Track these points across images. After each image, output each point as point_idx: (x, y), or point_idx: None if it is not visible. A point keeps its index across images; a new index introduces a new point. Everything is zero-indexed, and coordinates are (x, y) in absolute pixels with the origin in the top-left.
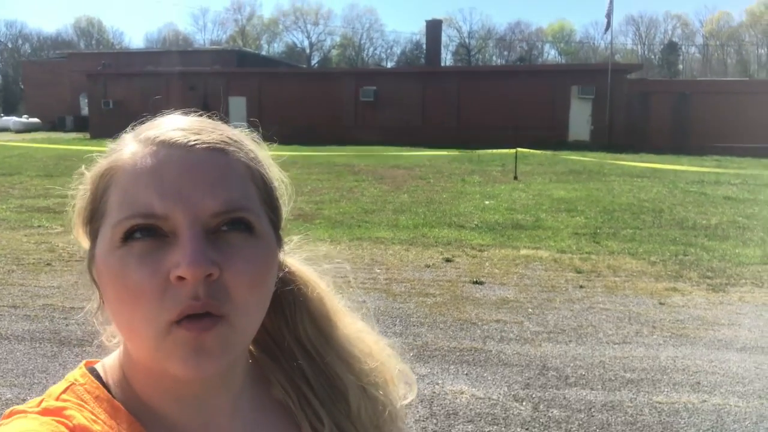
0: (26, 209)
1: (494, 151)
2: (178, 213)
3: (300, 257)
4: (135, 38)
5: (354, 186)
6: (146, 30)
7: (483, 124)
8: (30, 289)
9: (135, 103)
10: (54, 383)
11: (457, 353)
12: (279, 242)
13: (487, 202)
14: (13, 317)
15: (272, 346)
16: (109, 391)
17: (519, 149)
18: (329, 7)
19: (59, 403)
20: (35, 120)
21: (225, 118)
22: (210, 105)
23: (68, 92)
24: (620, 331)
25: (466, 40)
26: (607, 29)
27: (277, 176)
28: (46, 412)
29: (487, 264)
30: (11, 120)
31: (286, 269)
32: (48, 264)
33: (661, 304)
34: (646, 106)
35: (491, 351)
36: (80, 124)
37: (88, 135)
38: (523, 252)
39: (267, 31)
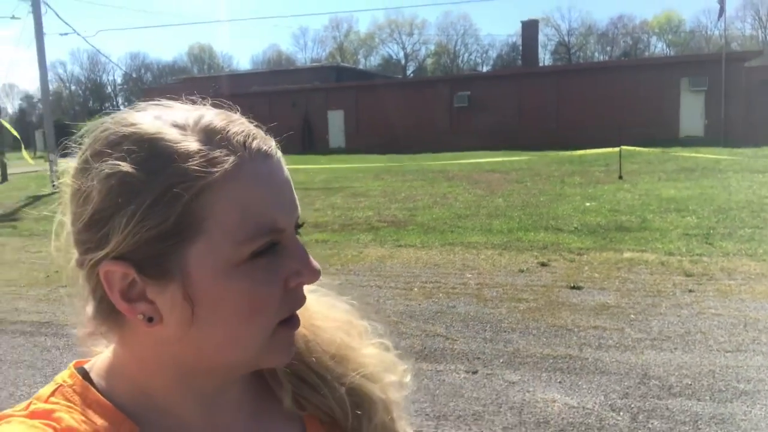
0: None
1: (596, 150)
2: (287, 223)
3: None
4: (242, 60)
5: (448, 192)
6: (252, 52)
7: (584, 123)
8: None
9: None
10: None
11: (551, 360)
12: None
13: (587, 204)
14: None
15: None
16: (99, 391)
17: (623, 147)
18: (423, 16)
19: (47, 406)
20: None
21: (326, 132)
22: (310, 119)
23: None
24: (734, 339)
25: (566, 39)
26: (720, 15)
27: None
28: (33, 415)
29: (586, 268)
30: None
31: None
32: None
33: None
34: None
35: (587, 358)
36: None
37: None
38: (627, 255)
39: (364, 45)
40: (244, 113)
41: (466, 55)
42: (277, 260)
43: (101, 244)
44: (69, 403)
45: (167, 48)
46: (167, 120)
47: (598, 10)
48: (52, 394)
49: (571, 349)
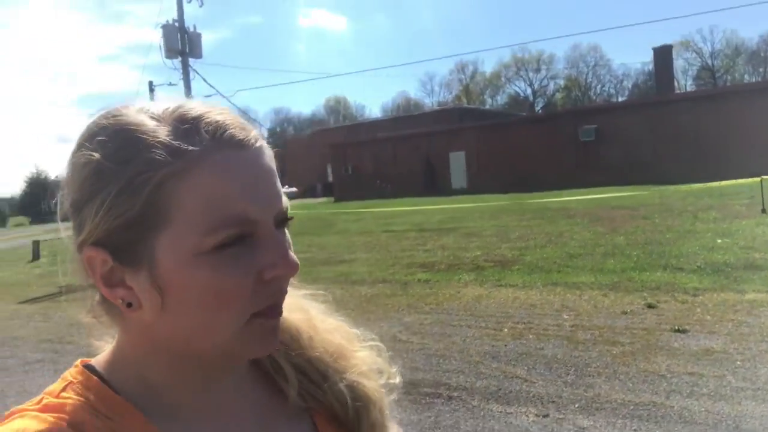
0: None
1: (738, 181)
2: (266, 217)
3: None
4: (374, 109)
5: (565, 230)
6: (382, 100)
7: (728, 152)
8: None
9: (368, 167)
10: None
11: (631, 407)
12: None
13: (718, 241)
14: None
15: None
16: (107, 384)
17: (765, 177)
18: (550, 51)
19: (59, 400)
20: (293, 189)
21: (447, 173)
22: (432, 161)
23: (318, 163)
24: None
25: (709, 62)
26: None
27: None
28: (46, 409)
29: (698, 310)
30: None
31: None
32: None
33: None
34: None
35: (673, 407)
36: (327, 190)
37: (332, 199)
38: (749, 296)
39: (490, 85)
40: (369, 159)
41: (599, 86)
42: (249, 252)
43: (80, 230)
44: (80, 398)
45: (307, 102)
46: (147, 111)
47: (744, 28)
48: (63, 389)
49: (657, 396)
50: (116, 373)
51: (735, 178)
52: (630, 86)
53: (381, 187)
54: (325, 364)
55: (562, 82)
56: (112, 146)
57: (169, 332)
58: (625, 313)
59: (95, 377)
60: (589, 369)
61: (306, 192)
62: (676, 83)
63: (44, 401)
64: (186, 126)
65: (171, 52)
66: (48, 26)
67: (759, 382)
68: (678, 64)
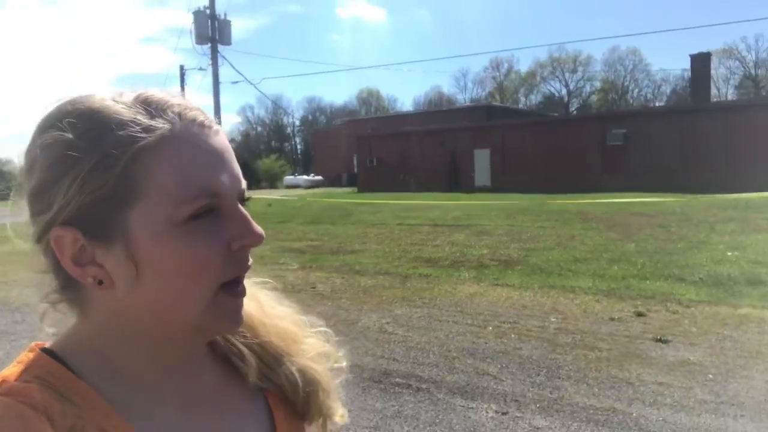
0: (281, 249)
1: (758, 194)
2: (227, 189)
3: None
4: (406, 102)
5: (578, 234)
6: (414, 94)
7: (758, 164)
8: None
9: (393, 160)
10: None
11: (591, 411)
12: None
13: (729, 254)
14: None
15: None
16: (70, 369)
17: None
18: (588, 53)
19: (20, 384)
20: (319, 177)
21: (471, 170)
22: (457, 158)
23: (345, 153)
24: None
25: (752, 71)
26: None
27: None
28: (8, 393)
29: (685, 321)
30: (302, 178)
31: None
32: None
33: None
34: None
35: (632, 414)
36: (352, 180)
37: (356, 189)
38: (742, 311)
39: (524, 84)
40: (394, 152)
41: (636, 90)
42: (218, 223)
43: (44, 212)
44: (42, 380)
45: (340, 93)
46: (112, 97)
47: None
48: (21, 373)
49: (619, 402)
50: (76, 357)
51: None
52: (668, 92)
53: (404, 181)
54: (277, 348)
55: (598, 84)
56: (83, 126)
57: (141, 309)
58: (613, 319)
59: (56, 362)
60: (560, 371)
61: (332, 181)
62: (716, 91)
63: (4, 385)
64: (153, 107)
65: (201, 38)
66: (94, 6)
67: (725, 396)
68: (720, 72)
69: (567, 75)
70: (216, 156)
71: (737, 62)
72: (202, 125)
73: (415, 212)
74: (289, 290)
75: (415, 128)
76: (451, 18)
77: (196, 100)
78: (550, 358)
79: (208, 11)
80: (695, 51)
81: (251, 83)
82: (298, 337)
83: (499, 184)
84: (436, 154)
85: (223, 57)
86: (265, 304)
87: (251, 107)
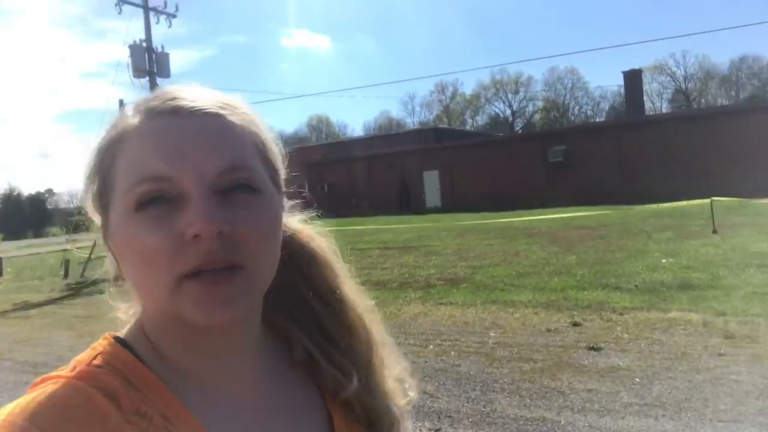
0: None
1: (701, 201)
2: (185, 175)
3: (297, 219)
4: (356, 127)
5: (522, 249)
6: (364, 119)
7: (693, 173)
8: None
9: (344, 185)
10: None
11: (521, 422)
12: (281, 198)
13: (663, 261)
14: None
15: (289, 305)
16: (136, 356)
17: (716, 198)
18: (528, 73)
19: (91, 368)
20: None
21: (422, 192)
22: (407, 181)
23: (295, 180)
24: (737, 408)
25: (683, 85)
26: None
27: (270, 137)
28: (79, 376)
29: (618, 328)
30: None
31: (290, 230)
32: None
33: None
34: None
35: (560, 422)
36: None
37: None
38: (672, 315)
39: (470, 106)
40: (344, 177)
41: (576, 108)
42: (170, 212)
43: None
44: (111, 366)
45: (290, 121)
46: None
47: (716, 52)
48: (94, 358)
49: (549, 411)
50: (139, 344)
51: (701, 198)
52: (607, 108)
53: (357, 205)
54: (374, 368)
55: (540, 104)
56: (101, 137)
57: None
58: (549, 330)
59: (124, 349)
60: (495, 385)
61: None
62: (651, 105)
63: (77, 369)
64: (138, 108)
65: (138, 71)
66: (31, 44)
67: (648, 398)
68: (653, 87)
69: (510, 96)
70: (171, 141)
71: (668, 77)
72: (170, 112)
73: (367, 236)
74: None
75: (365, 153)
76: (395, 43)
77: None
78: (486, 372)
79: (144, 44)
80: (629, 68)
81: None
82: (385, 357)
83: (450, 205)
84: (387, 178)
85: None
86: (375, 321)
87: None
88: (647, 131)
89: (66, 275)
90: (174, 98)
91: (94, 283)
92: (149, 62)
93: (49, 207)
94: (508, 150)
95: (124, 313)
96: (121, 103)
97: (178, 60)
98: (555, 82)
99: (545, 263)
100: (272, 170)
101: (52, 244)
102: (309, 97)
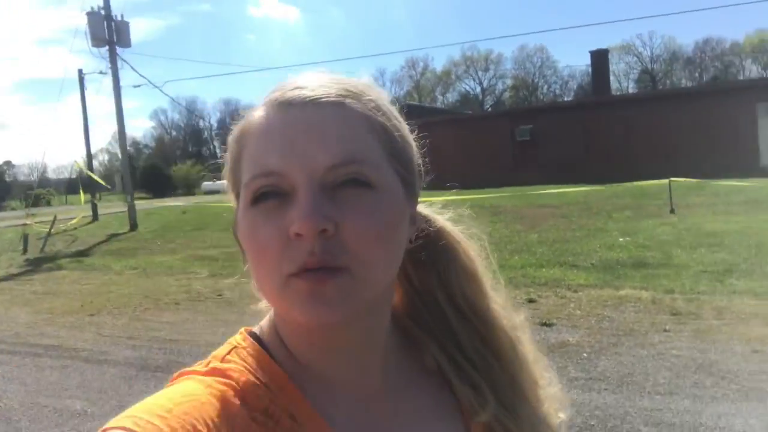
0: (192, 258)
1: (661, 182)
2: (295, 169)
3: (446, 217)
4: None
5: (489, 228)
6: None
7: (656, 154)
8: (150, 324)
9: None
10: (121, 401)
11: None
12: (410, 195)
13: (621, 240)
14: (123, 345)
15: (421, 309)
16: (268, 353)
17: (674, 179)
18: (498, 51)
19: (225, 365)
20: (222, 182)
21: None
22: None
23: None
24: (675, 381)
25: (649, 66)
26: None
27: (402, 127)
28: (212, 372)
29: (571, 305)
30: (221, 183)
31: (434, 226)
32: (176, 303)
33: (754, 352)
34: None
35: None
36: None
37: None
38: (623, 292)
39: (440, 82)
40: None
41: (545, 87)
42: (282, 207)
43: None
44: (244, 363)
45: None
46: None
47: (682, 34)
48: (228, 353)
49: None
50: (269, 339)
51: (665, 178)
52: (575, 87)
53: None
54: (521, 390)
55: (509, 82)
56: (234, 129)
57: None
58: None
59: (258, 345)
60: None
61: None
62: (618, 85)
63: (211, 365)
64: (264, 99)
65: (97, 40)
66: None
67: (594, 373)
68: (620, 67)
69: (480, 73)
70: (282, 135)
71: (635, 58)
72: (287, 105)
73: None
74: (194, 299)
75: None
76: (365, 18)
77: (99, 105)
78: None
79: (103, 12)
80: (596, 48)
81: (155, 86)
82: (538, 377)
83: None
84: None
85: (123, 60)
86: (519, 327)
87: (164, 111)
88: (613, 111)
89: (25, 251)
90: (294, 88)
91: (54, 258)
92: (108, 31)
93: (7, 180)
94: (476, 128)
95: (265, 304)
96: (81, 72)
97: (140, 29)
98: (524, 61)
99: (508, 241)
100: (400, 163)
101: (11, 218)
102: (275, 70)
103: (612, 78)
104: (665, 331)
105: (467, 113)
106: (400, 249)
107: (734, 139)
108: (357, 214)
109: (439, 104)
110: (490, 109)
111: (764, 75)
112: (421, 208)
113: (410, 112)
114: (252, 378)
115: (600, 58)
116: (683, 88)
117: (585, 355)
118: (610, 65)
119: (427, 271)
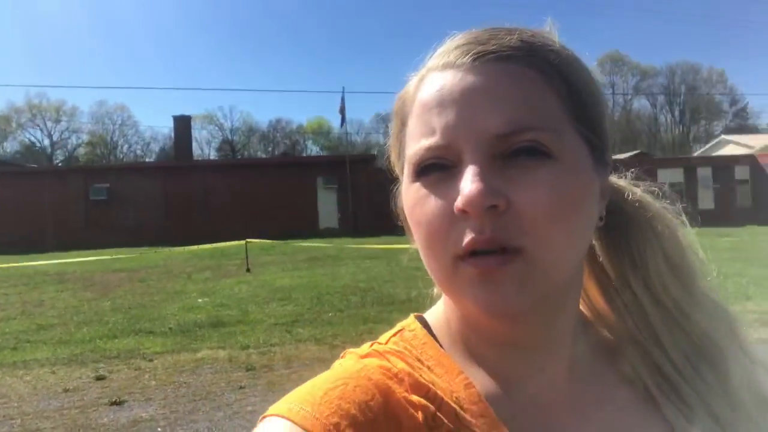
0: None
1: (239, 243)
2: (460, 139)
3: (643, 189)
4: None
5: (49, 298)
6: None
7: (232, 218)
8: None
9: None
10: None
11: None
12: (599, 164)
13: (200, 300)
14: None
15: (618, 305)
16: (436, 340)
17: (250, 240)
18: (73, 103)
19: (386, 347)
20: None
21: None
22: None
23: None
24: None
25: (229, 137)
26: (342, 123)
27: (594, 83)
28: (372, 354)
29: (146, 376)
30: None
31: (631, 197)
32: None
33: None
34: (386, 193)
35: None
36: None
37: None
38: (200, 354)
39: None
40: None
41: (126, 146)
42: (449, 180)
43: None
44: (407, 346)
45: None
46: None
47: (257, 111)
48: (394, 335)
49: None
50: (437, 324)
51: (240, 239)
52: (157, 150)
53: None
54: (703, 336)
55: (85, 137)
56: (396, 98)
57: None
58: (67, 390)
59: (425, 330)
60: None
61: None
62: (200, 151)
63: (373, 347)
64: (426, 62)
65: None
66: None
67: None
68: (203, 134)
69: (50, 124)
70: (441, 101)
71: (217, 128)
72: (445, 66)
73: None
74: None
75: None
76: None
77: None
78: None
79: None
80: (180, 112)
81: None
82: (761, 387)
83: None
84: None
85: None
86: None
87: None
88: (193, 175)
89: None
90: (458, 46)
91: None
92: None
93: None
94: (44, 184)
95: (438, 289)
96: None
97: None
98: (103, 117)
99: (75, 312)
100: (588, 126)
101: None
102: None
103: (195, 144)
104: (241, 388)
105: (31, 166)
106: (586, 229)
107: (299, 206)
108: (533, 189)
109: None
110: (60, 164)
111: (321, 153)
112: (614, 179)
113: None
114: (414, 363)
115: (183, 123)
116: (259, 159)
117: (159, 429)
118: (193, 131)
119: (620, 257)
